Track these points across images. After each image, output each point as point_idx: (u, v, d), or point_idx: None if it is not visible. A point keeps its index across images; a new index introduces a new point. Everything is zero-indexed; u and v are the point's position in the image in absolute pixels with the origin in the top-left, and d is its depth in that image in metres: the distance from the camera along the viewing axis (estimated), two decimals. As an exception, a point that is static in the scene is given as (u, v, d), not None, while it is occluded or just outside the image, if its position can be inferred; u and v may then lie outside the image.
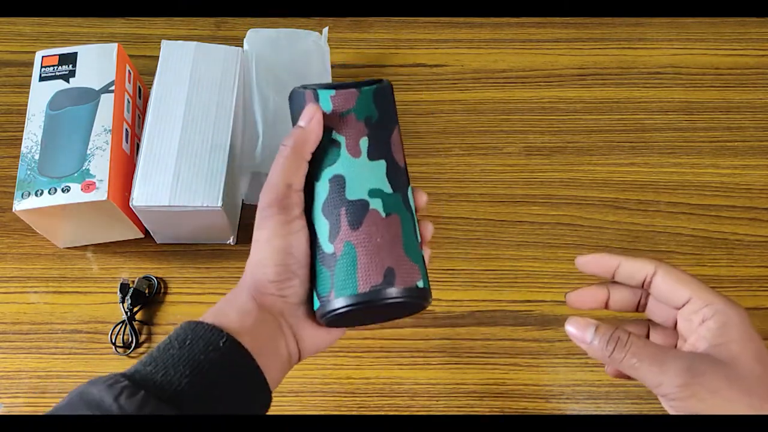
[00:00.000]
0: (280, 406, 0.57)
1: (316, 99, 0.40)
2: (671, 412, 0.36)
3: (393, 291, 0.38)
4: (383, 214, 0.39)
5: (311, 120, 0.39)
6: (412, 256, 0.39)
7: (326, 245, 0.39)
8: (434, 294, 0.62)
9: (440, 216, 0.66)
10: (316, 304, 0.39)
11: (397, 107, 0.72)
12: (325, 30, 0.73)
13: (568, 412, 0.58)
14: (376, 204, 0.39)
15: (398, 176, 0.40)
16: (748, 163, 0.69)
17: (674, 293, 0.38)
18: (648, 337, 0.42)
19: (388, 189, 0.39)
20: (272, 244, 0.38)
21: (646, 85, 0.74)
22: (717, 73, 0.75)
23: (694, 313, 0.37)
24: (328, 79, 0.71)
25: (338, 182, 0.39)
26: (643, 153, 0.70)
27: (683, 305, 0.38)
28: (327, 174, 0.39)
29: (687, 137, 0.71)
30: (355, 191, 0.39)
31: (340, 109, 0.40)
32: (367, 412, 0.57)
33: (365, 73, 0.74)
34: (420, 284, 0.39)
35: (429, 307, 0.61)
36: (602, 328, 0.37)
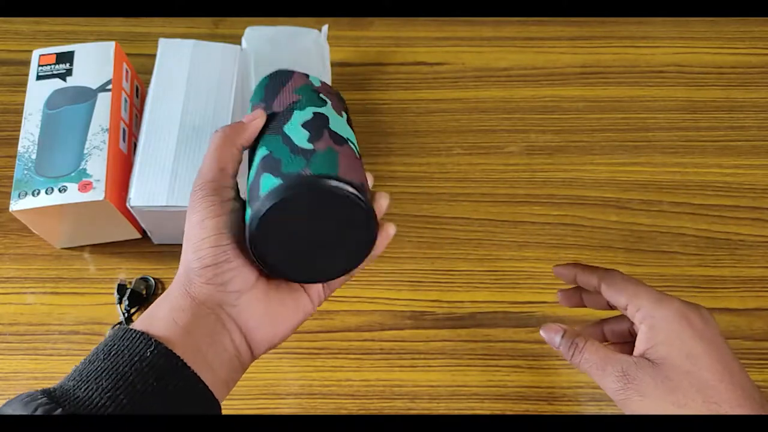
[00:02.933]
0: (279, 408, 0.57)
1: (307, 76, 0.44)
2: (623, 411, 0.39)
3: (362, 194, 0.36)
4: (357, 156, 0.40)
5: (253, 120, 0.40)
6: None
7: (304, 144, 0.37)
8: (435, 295, 0.62)
9: (441, 216, 0.65)
10: (272, 184, 0.36)
11: (399, 106, 0.72)
12: (325, 28, 0.72)
13: (571, 414, 0.57)
14: (353, 147, 0.40)
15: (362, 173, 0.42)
16: (752, 163, 0.69)
17: (616, 301, 0.42)
18: (630, 333, 0.45)
19: (354, 140, 0.41)
20: (204, 224, 0.36)
21: (648, 84, 0.73)
22: (720, 72, 0.74)
23: (633, 319, 0.40)
24: (328, 77, 0.71)
25: (322, 118, 0.40)
26: (645, 152, 0.69)
27: (626, 311, 0.41)
28: (311, 109, 0.40)
29: (690, 136, 0.70)
30: (337, 129, 0.39)
31: (326, 89, 0.44)
32: (367, 414, 0.57)
33: (365, 72, 0.74)
34: (375, 214, 0.38)
35: (429, 308, 0.61)
36: (567, 334, 0.41)
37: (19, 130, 0.59)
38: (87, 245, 0.64)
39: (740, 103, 0.72)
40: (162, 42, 0.63)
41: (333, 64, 0.72)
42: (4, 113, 0.71)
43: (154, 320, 0.36)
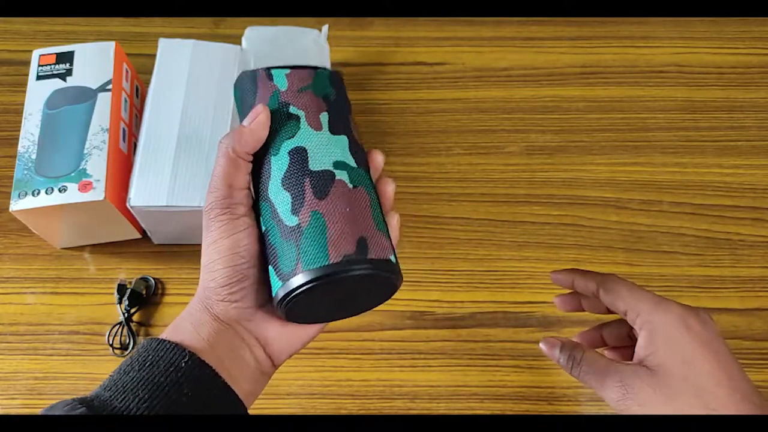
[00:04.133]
0: (279, 408, 0.57)
1: (270, 78, 0.39)
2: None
3: (368, 261, 0.34)
4: (350, 186, 0.36)
5: (255, 120, 0.38)
6: (382, 230, 0.36)
7: (289, 218, 0.35)
8: (435, 295, 0.62)
9: (441, 216, 0.65)
10: (277, 286, 0.35)
11: (399, 106, 0.72)
12: (325, 28, 0.72)
13: (571, 414, 0.57)
14: (342, 175, 0.36)
15: (360, 154, 0.39)
16: (752, 163, 0.69)
17: (615, 307, 0.41)
18: (629, 336, 0.45)
19: (352, 163, 0.37)
20: (218, 245, 0.37)
21: (648, 84, 0.73)
22: (720, 72, 0.74)
23: (633, 324, 0.40)
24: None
25: (299, 154, 0.37)
26: (645, 152, 0.69)
27: (626, 316, 0.41)
28: (286, 147, 0.37)
29: (690, 136, 0.70)
30: (319, 162, 0.36)
31: (297, 85, 0.39)
32: (367, 414, 0.57)
33: (365, 72, 0.74)
34: (392, 258, 0.36)
35: (429, 308, 0.61)
36: (566, 347, 0.41)
37: (19, 130, 0.59)
38: (87, 245, 0.64)
39: (740, 103, 0.72)
40: (162, 42, 0.63)
41: (333, 64, 0.72)
42: (4, 113, 0.71)
43: (181, 332, 0.36)
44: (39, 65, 0.61)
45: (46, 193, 0.56)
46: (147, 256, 0.63)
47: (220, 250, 0.37)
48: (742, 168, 0.68)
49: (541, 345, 0.43)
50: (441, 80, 0.73)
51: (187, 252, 0.64)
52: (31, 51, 0.62)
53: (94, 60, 0.62)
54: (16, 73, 0.73)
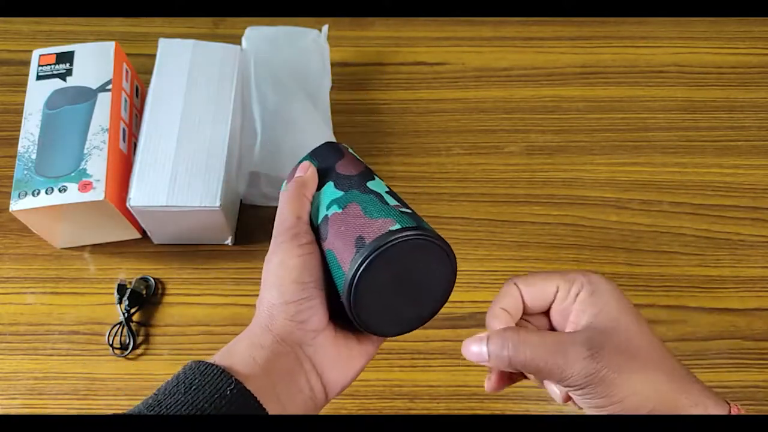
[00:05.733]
0: (279, 408, 0.57)
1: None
2: (584, 405, 0.35)
3: (367, 248, 0.37)
4: (339, 210, 0.40)
5: (307, 170, 0.42)
6: (380, 216, 0.38)
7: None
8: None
9: (441, 216, 0.65)
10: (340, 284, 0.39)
11: (399, 106, 0.72)
12: (325, 28, 0.72)
13: (571, 414, 0.57)
14: (331, 210, 0.40)
15: (346, 180, 0.42)
16: (752, 163, 0.69)
17: (543, 291, 0.38)
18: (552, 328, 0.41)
19: (338, 194, 0.41)
20: (285, 264, 0.38)
21: (648, 84, 0.73)
22: (720, 72, 0.74)
23: (566, 298, 0.37)
24: (328, 77, 0.71)
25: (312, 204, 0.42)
26: (645, 152, 0.69)
27: (554, 298, 0.38)
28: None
29: (690, 136, 0.70)
30: (318, 216, 0.41)
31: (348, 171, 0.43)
32: (367, 414, 0.57)
33: (365, 72, 0.74)
34: (393, 227, 0.37)
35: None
36: (493, 336, 0.35)
37: (19, 130, 0.59)
38: (87, 245, 0.64)
39: (740, 103, 0.72)
40: (162, 42, 0.63)
41: (333, 64, 0.72)
42: (4, 113, 0.71)
43: (233, 356, 0.36)
44: (39, 65, 0.61)
45: (46, 193, 0.56)
46: (147, 256, 0.63)
47: (288, 269, 0.38)
48: (742, 168, 0.68)
49: (464, 351, 0.36)
50: (441, 80, 0.73)
51: (188, 252, 0.63)
52: (31, 51, 0.63)
53: (94, 60, 0.62)
54: (16, 73, 0.73)
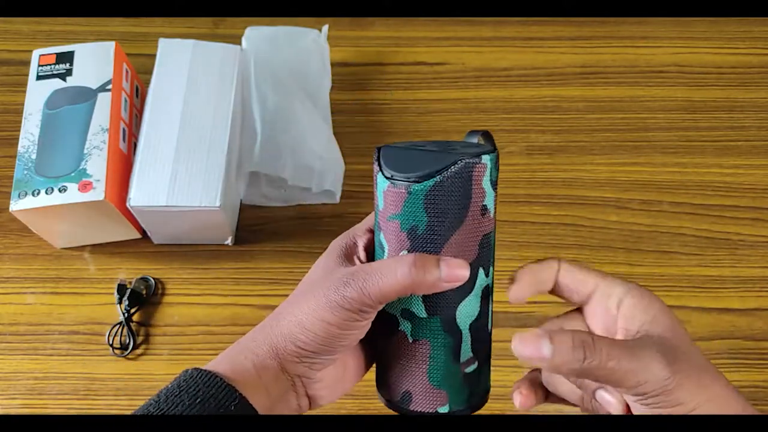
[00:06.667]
0: (279, 408, 0.57)
1: (376, 186, 0.35)
2: (646, 411, 0.33)
3: (407, 412, 0.37)
4: (410, 339, 0.36)
5: (459, 272, 0.33)
6: (438, 383, 0.36)
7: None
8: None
9: (441, 216, 0.65)
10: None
11: (399, 106, 0.72)
12: (325, 28, 0.72)
13: (571, 414, 0.57)
14: (404, 326, 0.36)
15: (442, 296, 0.34)
16: (752, 163, 0.69)
17: (583, 282, 0.36)
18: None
19: (421, 312, 0.35)
20: (337, 315, 0.35)
21: (648, 84, 0.73)
22: (720, 72, 0.74)
23: (608, 299, 0.35)
24: (328, 77, 0.71)
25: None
26: (645, 152, 0.69)
27: (591, 295, 0.36)
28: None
29: (690, 136, 0.70)
30: (391, 305, 0.36)
31: (389, 210, 0.34)
32: (367, 414, 0.57)
33: (365, 72, 0.74)
34: (442, 410, 0.37)
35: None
36: (558, 336, 0.31)
37: (19, 130, 0.59)
38: (87, 245, 0.64)
39: (740, 103, 0.72)
40: (162, 42, 0.63)
41: (333, 64, 0.72)
42: (4, 113, 0.71)
43: (239, 371, 0.35)
44: (39, 65, 0.61)
45: (46, 193, 0.56)
46: (147, 256, 0.63)
47: (333, 327, 0.34)
48: (742, 168, 0.68)
49: (516, 346, 0.31)
50: (441, 80, 0.73)
51: (188, 252, 0.63)
52: (31, 51, 0.63)
53: (94, 60, 0.62)
54: (16, 73, 0.73)
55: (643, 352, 0.31)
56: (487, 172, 0.33)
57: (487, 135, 0.36)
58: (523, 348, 0.31)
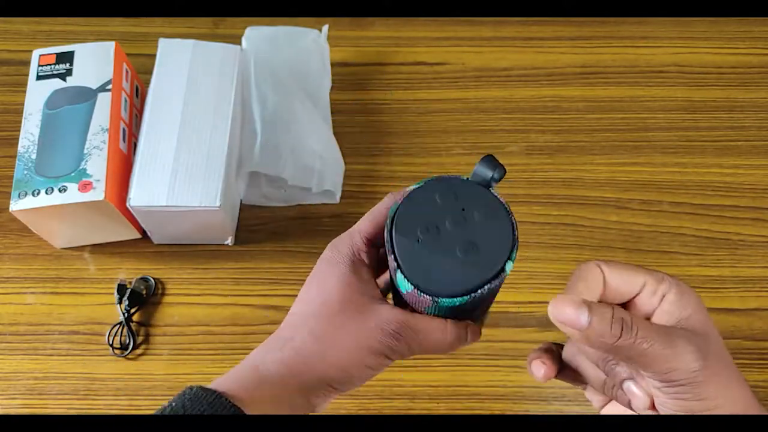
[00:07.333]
0: (279, 408, 0.57)
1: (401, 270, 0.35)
2: (670, 404, 0.33)
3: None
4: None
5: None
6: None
7: None
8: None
9: (441, 216, 0.65)
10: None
11: (399, 106, 0.72)
12: (325, 28, 0.72)
13: (571, 414, 0.57)
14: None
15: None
16: (752, 163, 0.69)
17: (631, 281, 0.34)
18: None
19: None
20: (379, 363, 0.36)
21: (648, 84, 0.73)
22: (720, 72, 0.74)
23: (653, 295, 0.34)
24: (328, 77, 0.71)
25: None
26: (645, 152, 0.69)
27: (638, 293, 0.34)
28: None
29: (690, 136, 0.70)
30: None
31: (412, 299, 0.35)
32: (367, 414, 0.57)
33: (365, 72, 0.74)
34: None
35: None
36: (599, 308, 0.30)
37: (19, 130, 0.59)
38: (87, 245, 0.64)
39: (740, 103, 0.72)
40: (162, 42, 0.63)
41: (333, 64, 0.72)
42: (4, 113, 0.71)
43: (254, 394, 0.34)
44: (39, 65, 0.61)
45: (46, 193, 0.56)
46: (147, 256, 0.63)
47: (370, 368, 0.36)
48: (742, 168, 0.68)
49: (554, 309, 0.30)
50: (441, 80, 0.73)
51: (188, 252, 0.63)
52: (31, 51, 0.62)
53: (94, 60, 0.62)
54: (16, 73, 0.73)
55: (679, 340, 0.31)
56: (509, 270, 0.34)
57: (498, 168, 0.35)
58: (560, 312, 0.30)
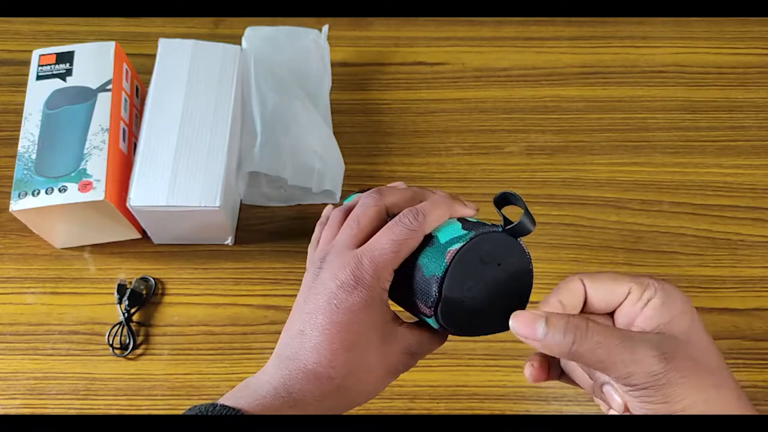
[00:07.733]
0: (279, 408, 0.57)
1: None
2: (638, 407, 0.33)
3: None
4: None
5: None
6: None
7: None
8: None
9: (441, 216, 0.65)
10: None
11: (399, 106, 0.72)
12: (325, 28, 0.72)
13: (571, 414, 0.57)
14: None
15: None
16: (752, 163, 0.69)
17: (613, 292, 0.35)
18: None
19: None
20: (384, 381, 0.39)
21: (648, 84, 0.73)
22: (720, 72, 0.74)
23: (637, 302, 0.34)
24: (328, 77, 0.71)
25: None
26: (645, 152, 0.69)
27: (623, 301, 0.35)
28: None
29: (690, 136, 0.70)
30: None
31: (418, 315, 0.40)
32: (367, 414, 0.57)
33: (365, 72, 0.74)
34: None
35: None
36: (554, 318, 0.32)
37: (19, 130, 0.59)
38: (87, 245, 0.64)
39: (740, 103, 0.72)
40: (162, 42, 0.63)
41: (333, 64, 0.72)
42: (4, 113, 0.71)
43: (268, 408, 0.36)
44: (39, 65, 0.61)
45: (46, 193, 0.56)
46: (147, 256, 0.63)
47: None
48: (742, 168, 0.68)
49: (512, 324, 0.33)
50: (441, 80, 0.73)
51: (188, 252, 0.63)
52: (31, 51, 0.62)
53: (94, 60, 0.62)
54: (16, 73, 0.73)
55: (639, 344, 0.32)
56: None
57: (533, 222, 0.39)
58: (519, 327, 0.33)
